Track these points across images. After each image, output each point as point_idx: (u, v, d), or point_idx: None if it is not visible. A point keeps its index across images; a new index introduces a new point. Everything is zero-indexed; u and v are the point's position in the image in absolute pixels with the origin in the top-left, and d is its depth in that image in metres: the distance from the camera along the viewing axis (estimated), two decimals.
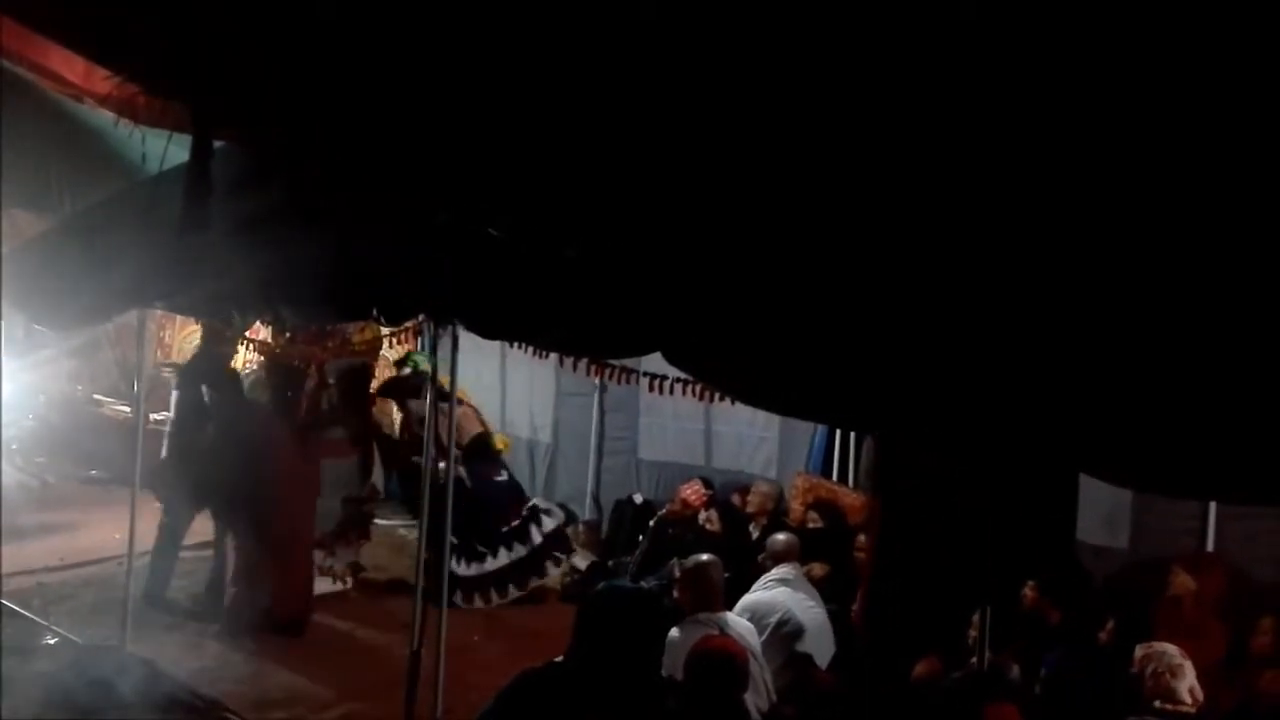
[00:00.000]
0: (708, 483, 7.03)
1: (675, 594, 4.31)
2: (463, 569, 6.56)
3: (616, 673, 2.85)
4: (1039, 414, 1.99)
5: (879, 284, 2.09)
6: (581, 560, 7.60)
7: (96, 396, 10.27)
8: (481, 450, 7.14)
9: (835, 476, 7.11)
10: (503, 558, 6.83)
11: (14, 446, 9.01)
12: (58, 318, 5.18)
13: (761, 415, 7.05)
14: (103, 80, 3.75)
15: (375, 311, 3.93)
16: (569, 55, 2.15)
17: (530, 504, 7.20)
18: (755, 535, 6.49)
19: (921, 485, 4.58)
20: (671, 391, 4.13)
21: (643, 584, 5.41)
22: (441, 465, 6.63)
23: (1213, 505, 5.04)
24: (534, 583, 6.93)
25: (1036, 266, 1.93)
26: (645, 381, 4.31)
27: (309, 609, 6.20)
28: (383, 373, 8.36)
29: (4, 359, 7.13)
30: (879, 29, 1.95)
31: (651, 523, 6.67)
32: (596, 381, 7.78)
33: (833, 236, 2.12)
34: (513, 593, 6.83)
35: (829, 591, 5.34)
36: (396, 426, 8.06)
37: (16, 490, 8.17)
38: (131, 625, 5.41)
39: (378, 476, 7.86)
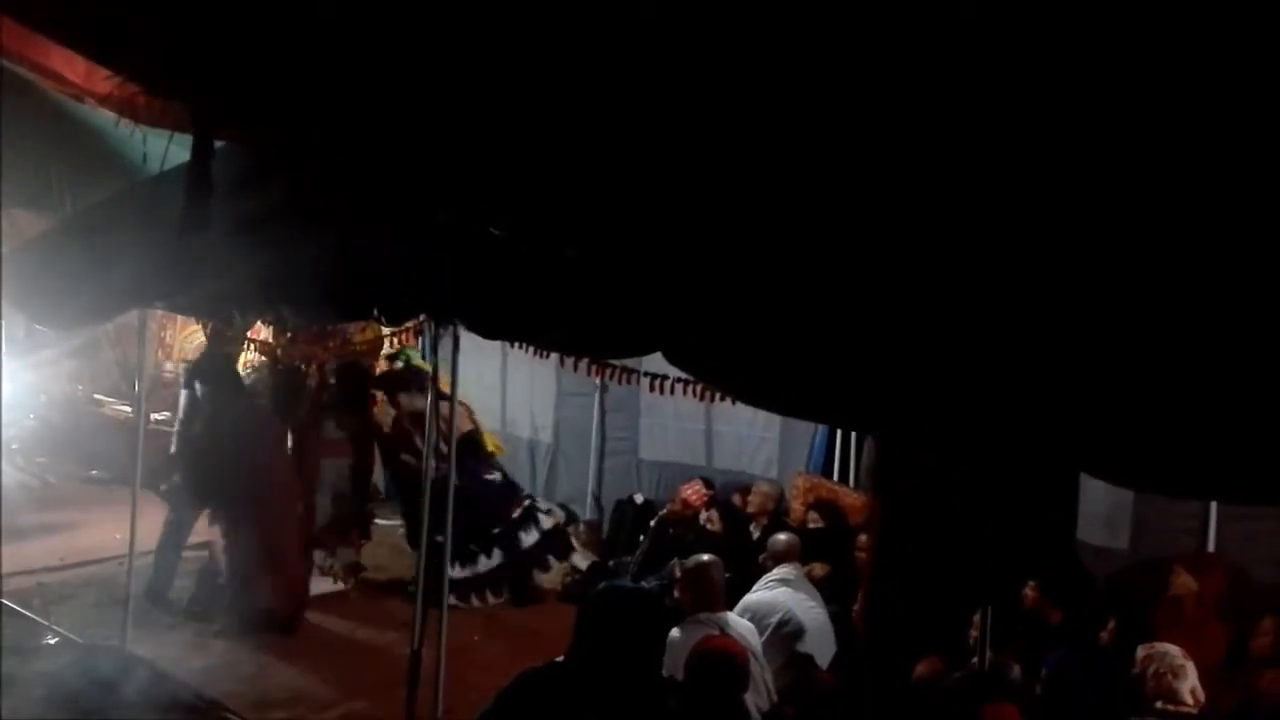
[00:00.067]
0: (708, 483, 7.03)
1: (676, 594, 4.31)
2: (455, 570, 6.48)
3: (617, 673, 2.85)
4: (1039, 414, 1.99)
5: (879, 284, 2.09)
6: (582, 560, 7.59)
7: (97, 396, 10.28)
8: (471, 448, 7.11)
9: (836, 476, 7.11)
10: (496, 558, 6.81)
11: (14, 446, 9.03)
12: (58, 318, 5.18)
13: (762, 415, 7.05)
14: (103, 80, 3.75)
15: (375, 311, 3.93)
16: (569, 55, 2.15)
17: (526, 504, 7.17)
18: (756, 535, 6.49)
19: (921, 485, 4.58)
20: (672, 391, 4.14)
21: (643, 584, 5.40)
22: (430, 462, 6.69)
23: (1213, 505, 5.04)
24: (529, 584, 6.92)
25: (1036, 267, 1.93)
26: (646, 381, 4.31)
27: (304, 606, 6.21)
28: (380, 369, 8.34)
29: (4, 359, 7.15)
30: (878, 29, 1.95)
31: (652, 523, 6.67)
32: (597, 381, 7.78)
33: (833, 237, 2.12)
34: (506, 594, 6.81)
35: (830, 591, 5.34)
36: (389, 422, 8.02)
37: (17, 490, 8.18)
38: (132, 625, 5.42)
39: (378, 476, 7.86)
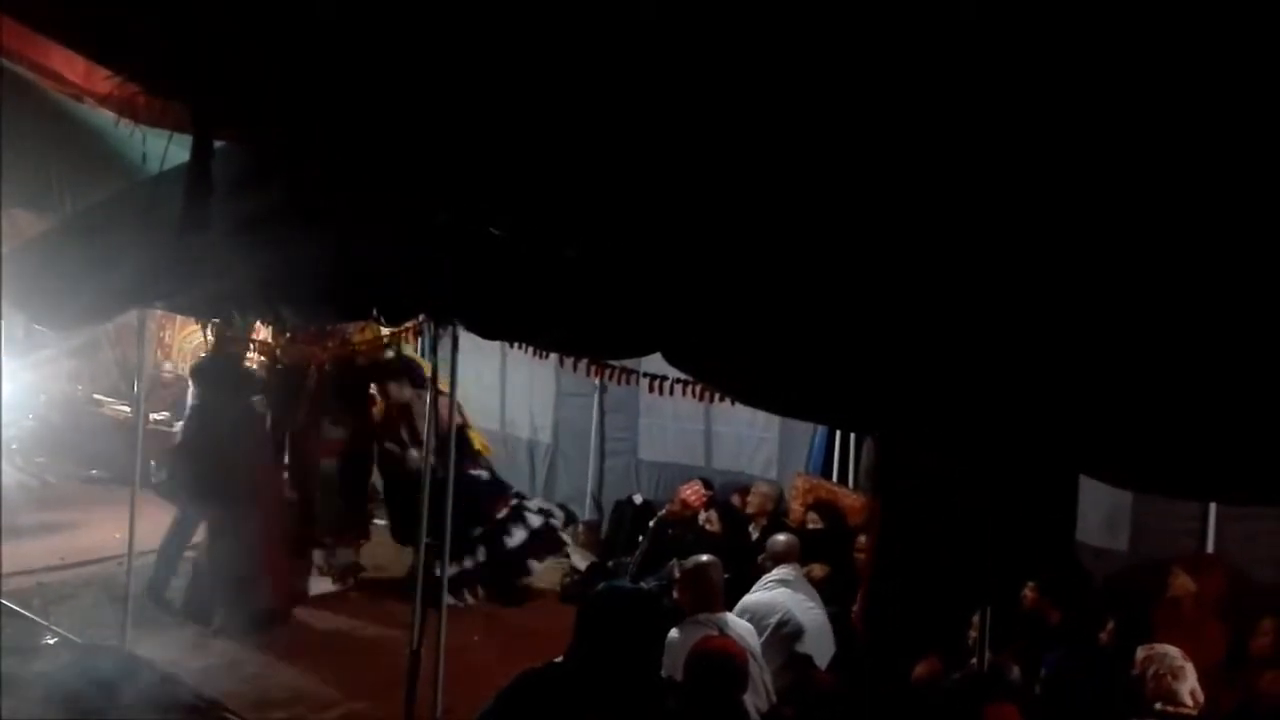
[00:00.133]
0: (708, 483, 7.03)
1: (675, 594, 4.31)
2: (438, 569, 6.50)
3: (616, 673, 2.85)
4: (1039, 415, 1.99)
5: (878, 285, 2.09)
6: (581, 560, 7.59)
7: (97, 396, 10.29)
8: (459, 443, 7.08)
9: (835, 477, 7.11)
10: (480, 555, 6.78)
11: (14, 446, 9.03)
12: (58, 318, 5.18)
13: (761, 416, 7.05)
14: (103, 80, 3.75)
15: (375, 311, 3.94)
16: (569, 56, 2.15)
17: (513, 504, 7.14)
18: (755, 536, 6.49)
19: (921, 485, 4.58)
20: (671, 392, 4.15)
21: (643, 584, 5.40)
22: (413, 454, 6.68)
23: (1213, 506, 5.03)
24: (518, 582, 6.90)
25: (1036, 268, 1.93)
26: (645, 382, 4.33)
27: (291, 604, 6.27)
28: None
29: (4, 359, 7.15)
30: (878, 29, 1.95)
31: (651, 523, 6.66)
32: (596, 382, 7.79)
33: (832, 237, 2.12)
34: (491, 591, 6.77)
35: (829, 592, 5.34)
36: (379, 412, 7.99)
37: (17, 490, 8.19)
38: (131, 625, 5.42)
39: (377, 476, 7.84)
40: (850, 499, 6.45)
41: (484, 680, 3.40)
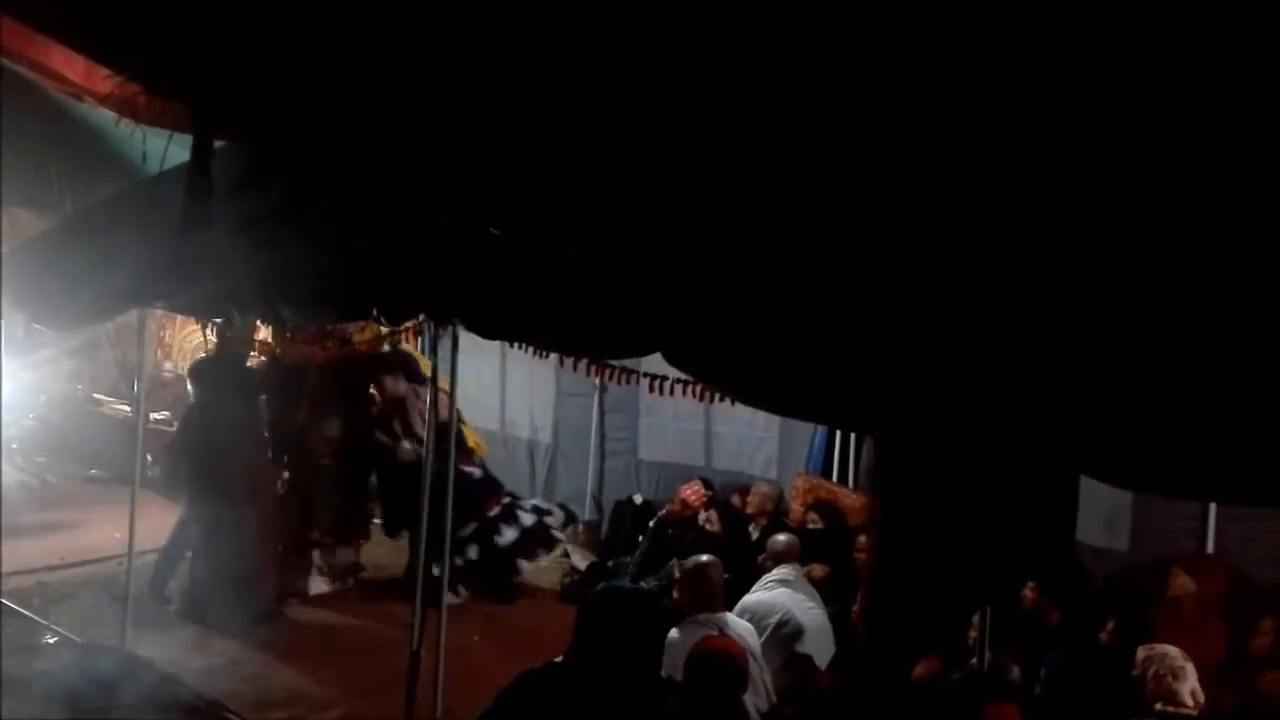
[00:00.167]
0: (708, 483, 7.03)
1: (675, 594, 4.31)
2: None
3: (616, 673, 2.85)
4: (1039, 415, 1.99)
5: (878, 285, 2.09)
6: (581, 560, 7.59)
7: (97, 396, 10.30)
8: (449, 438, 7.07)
9: (835, 477, 7.11)
10: (472, 553, 6.78)
11: (14, 446, 9.04)
12: (58, 318, 5.18)
13: (761, 416, 7.05)
14: (103, 80, 3.75)
15: (375, 311, 3.94)
16: (569, 56, 2.15)
17: (506, 502, 7.14)
18: (755, 536, 6.49)
19: (921, 485, 4.57)
20: (671, 392, 4.15)
21: (643, 584, 5.40)
22: (405, 446, 6.68)
23: (1213, 506, 5.04)
24: (508, 580, 6.90)
25: (1036, 268, 1.93)
26: (645, 382, 4.32)
27: (282, 603, 6.32)
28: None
29: (4, 359, 7.15)
30: (878, 29, 1.95)
31: (651, 523, 6.65)
32: (596, 382, 7.79)
33: (832, 237, 2.12)
34: (483, 589, 6.76)
35: (829, 592, 5.34)
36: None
37: (16, 490, 8.19)
38: (131, 625, 5.41)
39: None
40: (850, 499, 6.45)
41: (484, 680, 3.40)
